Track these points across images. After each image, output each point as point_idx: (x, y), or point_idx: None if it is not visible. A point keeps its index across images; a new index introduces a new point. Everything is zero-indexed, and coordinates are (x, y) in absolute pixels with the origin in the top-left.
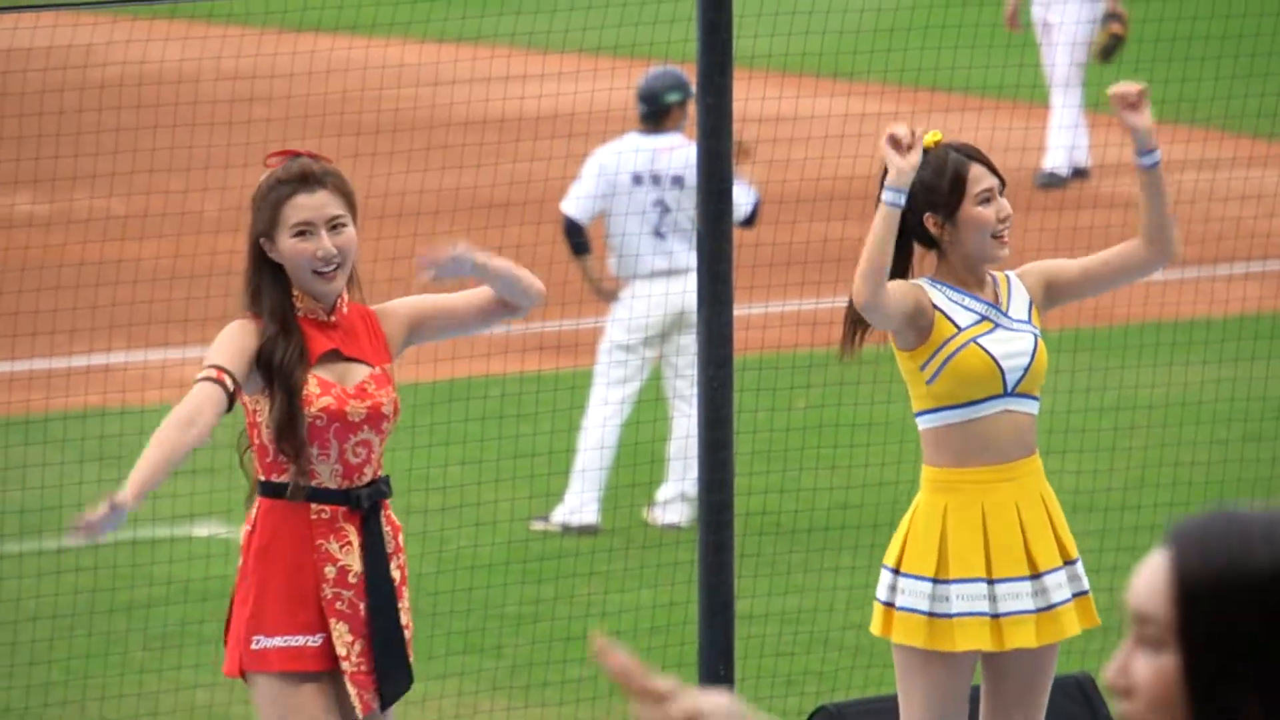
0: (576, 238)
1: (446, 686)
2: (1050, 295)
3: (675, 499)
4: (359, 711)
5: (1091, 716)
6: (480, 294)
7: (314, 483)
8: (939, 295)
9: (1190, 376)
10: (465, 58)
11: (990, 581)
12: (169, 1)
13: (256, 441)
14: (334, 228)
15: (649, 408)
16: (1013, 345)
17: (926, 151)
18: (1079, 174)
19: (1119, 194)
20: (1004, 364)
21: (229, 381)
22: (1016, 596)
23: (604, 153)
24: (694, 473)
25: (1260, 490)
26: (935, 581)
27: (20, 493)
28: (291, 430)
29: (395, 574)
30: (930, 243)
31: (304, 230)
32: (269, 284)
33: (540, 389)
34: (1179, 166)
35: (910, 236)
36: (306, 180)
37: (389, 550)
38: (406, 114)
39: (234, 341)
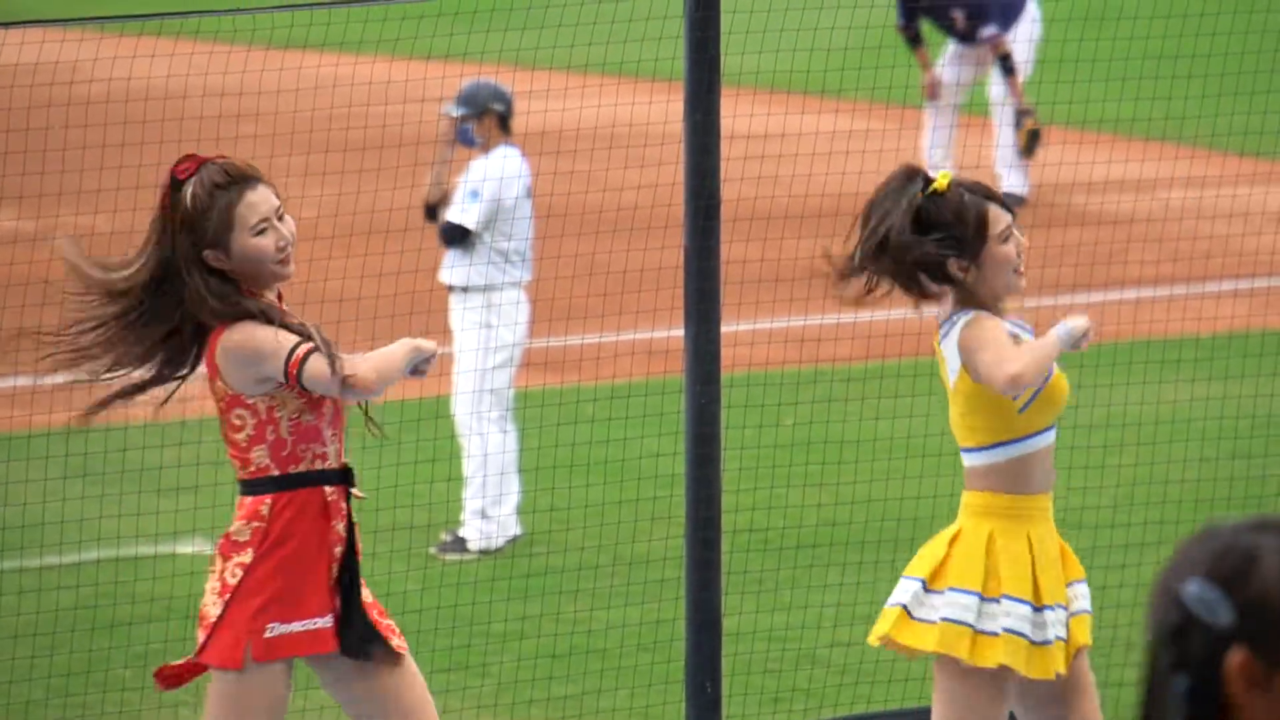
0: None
1: None
2: None
3: (474, 516)
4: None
5: None
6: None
7: (324, 465)
8: (1009, 326)
9: (1177, 394)
10: (452, 74)
11: (1037, 609)
12: (155, 18)
13: (271, 437)
14: (280, 217)
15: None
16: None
17: (941, 195)
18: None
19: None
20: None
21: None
22: (1057, 624)
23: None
24: (494, 490)
25: (1247, 508)
26: (982, 598)
27: (1, 510)
28: (317, 409)
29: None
30: (946, 281)
31: (264, 228)
32: (228, 290)
33: (528, 404)
34: (1165, 184)
35: (928, 278)
36: (247, 178)
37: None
38: (394, 131)
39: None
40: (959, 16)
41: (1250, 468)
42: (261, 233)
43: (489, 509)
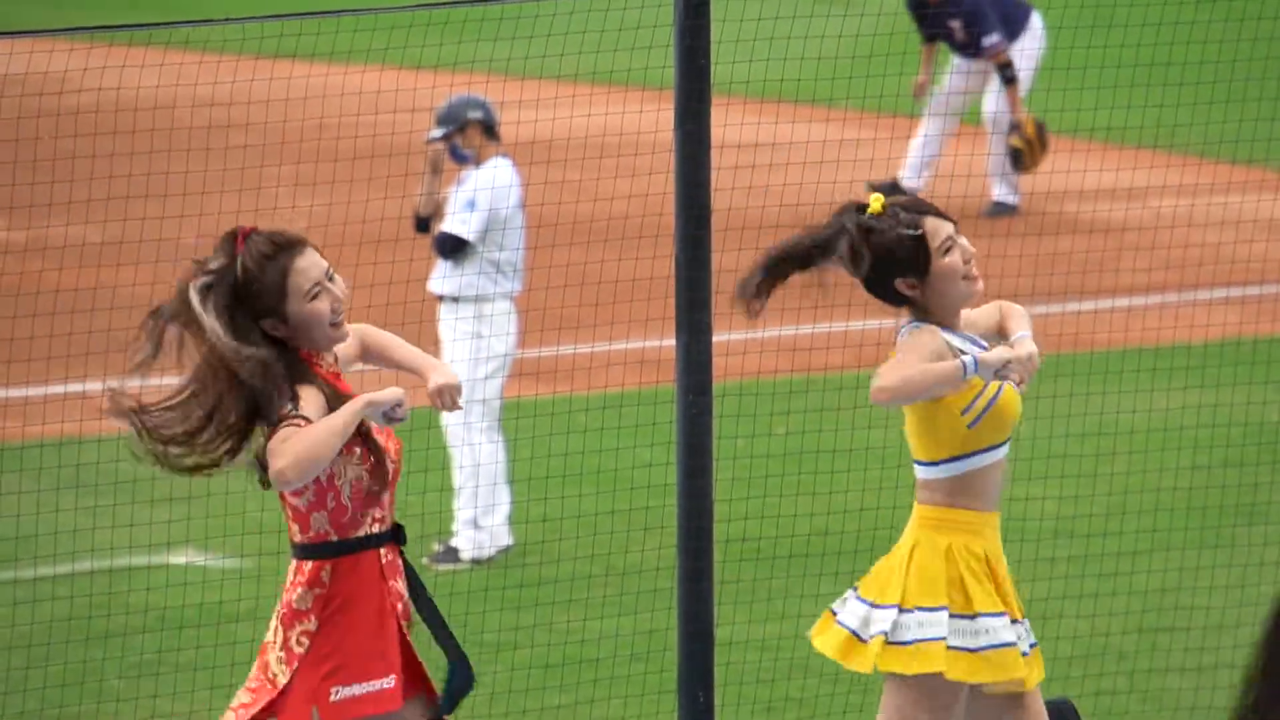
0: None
1: None
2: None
3: (465, 526)
4: None
5: None
6: (402, 359)
7: (381, 529)
8: (956, 341)
9: (1169, 402)
10: (443, 84)
11: (971, 617)
12: (144, 28)
13: (332, 504)
14: (331, 278)
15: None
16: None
17: (878, 217)
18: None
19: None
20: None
21: None
22: (1019, 636)
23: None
24: (485, 500)
25: (1239, 516)
26: (954, 615)
27: None
28: (381, 476)
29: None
30: (900, 302)
31: (317, 292)
32: (292, 361)
33: (520, 414)
34: (1157, 192)
35: (885, 300)
36: (294, 244)
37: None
38: (384, 140)
39: (320, 408)
40: (956, 27)
41: (1242, 475)
42: (316, 297)
43: (480, 519)
